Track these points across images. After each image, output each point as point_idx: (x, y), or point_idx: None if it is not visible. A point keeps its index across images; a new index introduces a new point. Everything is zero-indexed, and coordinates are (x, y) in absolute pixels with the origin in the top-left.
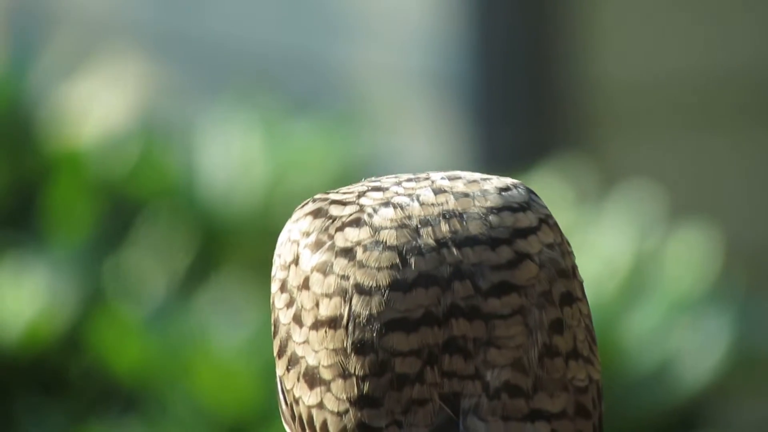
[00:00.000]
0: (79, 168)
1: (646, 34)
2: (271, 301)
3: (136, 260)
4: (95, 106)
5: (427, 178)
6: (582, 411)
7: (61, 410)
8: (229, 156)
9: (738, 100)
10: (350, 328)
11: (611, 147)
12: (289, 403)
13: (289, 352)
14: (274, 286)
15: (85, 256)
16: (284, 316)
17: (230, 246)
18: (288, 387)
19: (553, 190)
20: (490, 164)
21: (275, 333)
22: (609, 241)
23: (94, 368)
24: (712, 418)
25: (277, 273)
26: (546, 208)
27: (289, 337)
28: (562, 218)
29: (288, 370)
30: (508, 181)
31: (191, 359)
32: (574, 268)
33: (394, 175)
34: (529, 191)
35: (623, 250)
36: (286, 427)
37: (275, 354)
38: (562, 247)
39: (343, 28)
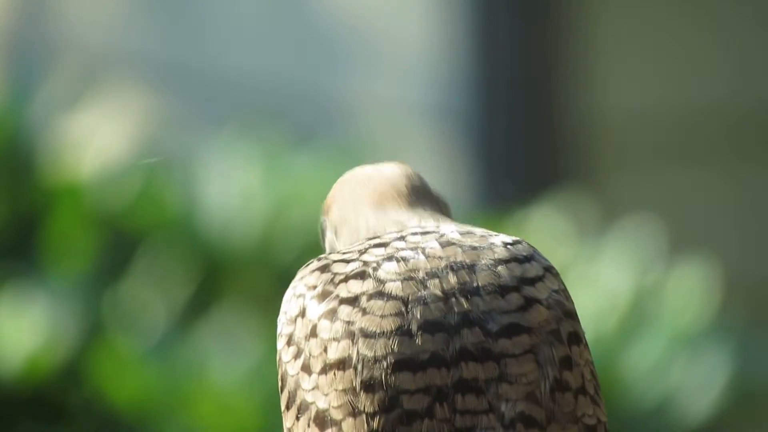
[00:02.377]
0: (79, 200)
1: (646, 70)
2: (278, 358)
3: (136, 292)
4: (96, 138)
5: (435, 232)
6: None
7: None
8: (230, 188)
9: (736, 134)
10: (359, 367)
11: (611, 181)
12: None
13: (298, 401)
14: (281, 342)
15: (84, 288)
16: (292, 368)
17: (230, 278)
18: None
19: (554, 224)
20: (491, 198)
21: (282, 388)
22: (609, 275)
23: (94, 400)
24: None
25: (283, 329)
26: (548, 260)
27: (298, 386)
28: (562, 253)
29: (298, 418)
30: (510, 237)
31: (191, 392)
32: (578, 316)
33: (397, 231)
34: (530, 245)
35: (623, 284)
36: None
37: (283, 409)
38: (566, 293)
39: (346, 61)
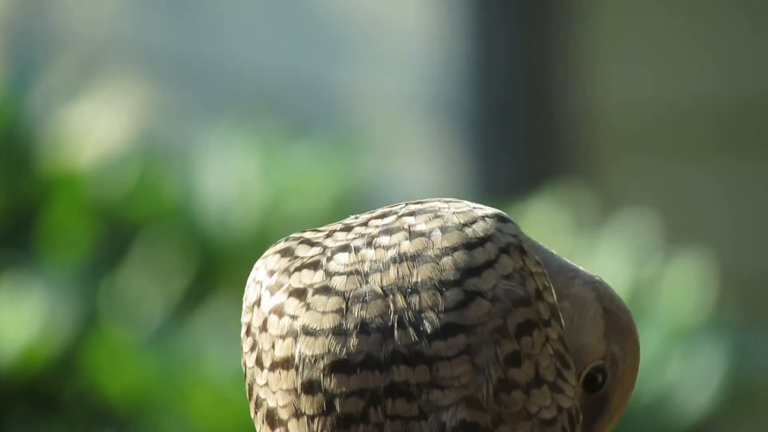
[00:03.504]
0: (76, 190)
1: (644, 64)
2: (242, 348)
3: (133, 283)
4: (94, 128)
5: (394, 213)
6: None
7: (56, 431)
8: (227, 179)
9: (734, 129)
10: (300, 368)
11: (609, 174)
12: None
13: (255, 396)
14: (242, 331)
15: (81, 278)
16: (249, 360)
17: (227, 269)
18: (257, 429)
19: (551, 217)
20: (489, 191)
21: (245, 377)
22: (606, 268)
23: (89, 390)
24: None
25: (243, 316)
26: (514, 235)
27: (253, 380)
28: (559, 245)
29: (256, 413)
30: (480, 213)
31: (186, 383)
32: (540, 290)
33: (370, 211)
34: (499, 220)
35: (620, 277)
36: None
37: (248, 399)
38: (523, 271)
39: (344, 53)
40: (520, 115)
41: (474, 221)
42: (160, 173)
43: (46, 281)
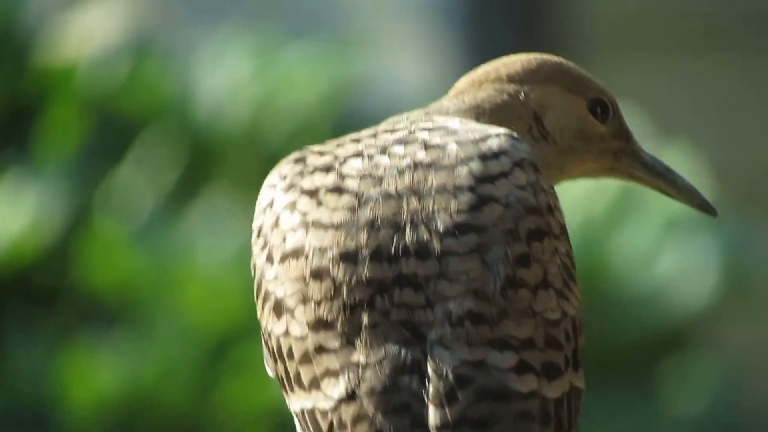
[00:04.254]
0: (72, 86)
1: None
2: (252, 251)
3: (126, 176)
4: (91, 26)
5: (405, 129)
6: (552, 342)
7: (47, 324)
8: (222, 76)
9: (726, 21)
10: (309, 256)
11: (599, 69)
12: (265, 340)
13: (263, 291)
14: (254, 235)
15: (74, 172)
16: (260, 259)
17: (219, 163)
18: (263, 325)
19: None
20: None
21: (254, 278)
22: None
23: (81, 283)
24: (703, 341)
25: (255, 220)
26: (526, 152)
27: (263, 276)
28: None
29: (263, 308)
30: (493, 131)
31: (178, 275)
32: (551, 206)
33: (375, 126)
34: (513, 139)
35: None
36: (269, 371)
37: (255, 298)
38: (536, 185)
39: None
40: (510, 14)
41: (488, 137)
42: (155, 69)
43: (40, 176)
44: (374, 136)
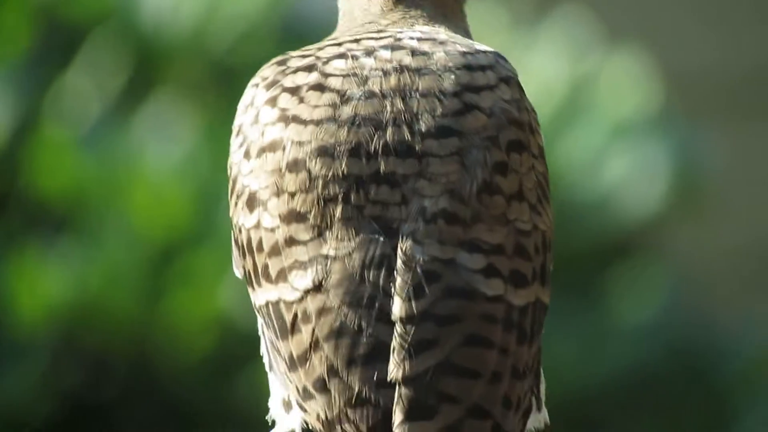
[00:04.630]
0: None
1: None
2: (230, 151)
3: (73, 82)
4: None
5: (390, 36)
6: (521, 251)
7: None
8: None
9: None
10: (286, 149)
11: None
12: (235, 237)
13: (238, 187)
14: (233, 135)
15: (21, 78)
16: (237, 156)
17: (165, 68)
18: (234, 221)
19: (487, 12)
20: None
21: (229, 177)
22: (544, 64)
23: (28, 189)
24: (652, 248)
25: (236, 120)
26: (512, 72)
27: (239, 172)
28: (495, 41)
29: (236, 205)
30: (481, 47)
31: (125, 180)
32: (533, 126)
33: (355, 33)
34: (500, 57)
35: (558, 73)
36: (237, 272)
37: (229, 198)
38: (521, 103)
39: None
40: None
41: (476, 52)
42: None
43: None
44: (356, 41)
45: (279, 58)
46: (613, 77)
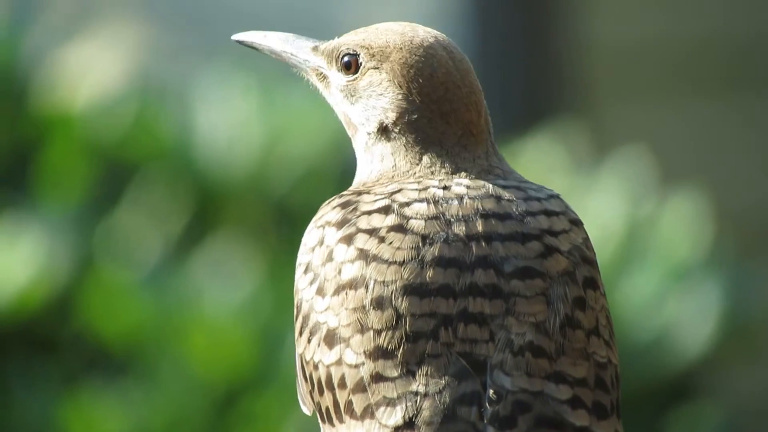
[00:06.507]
0: (73, 130)
1: (643, 1)
2: (295, 288)
3: (130, 223)
4: (91, 69)
5: (482, 186)
6: (601, 384)
7: (52, 373)
8: (225, 118)
9: (730, 66)
10: (370, 286)
11: (606, 112)
12: (308, 374)
13: (311, 324)
14: (298, 272)
15: (78, 219)
16: (308, 293)
17: (225, 209)
18: (308, 358)
19: (549, 155)
20: None
21: (297, 314)
22: (603, 207)
23: (86, 332)
24: (706, 388)
25: (301, 258)
26: (575, 213)
27: (311, 310)
28: (557, 183)
29: (309, 341)
30: (551, 192)
31: (184, 323)
32: (597, 266)
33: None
34: (563, 200)
35: (617, 216)
36: (304, 409)
37: (297, 335)
38: (588, 243)
39: None
40: (517, 53)
41: (550, 197)
42: (157, 113)
43: (43, 222)
44: (447, 188)
45: (340, 200)
46: (669, 220)
